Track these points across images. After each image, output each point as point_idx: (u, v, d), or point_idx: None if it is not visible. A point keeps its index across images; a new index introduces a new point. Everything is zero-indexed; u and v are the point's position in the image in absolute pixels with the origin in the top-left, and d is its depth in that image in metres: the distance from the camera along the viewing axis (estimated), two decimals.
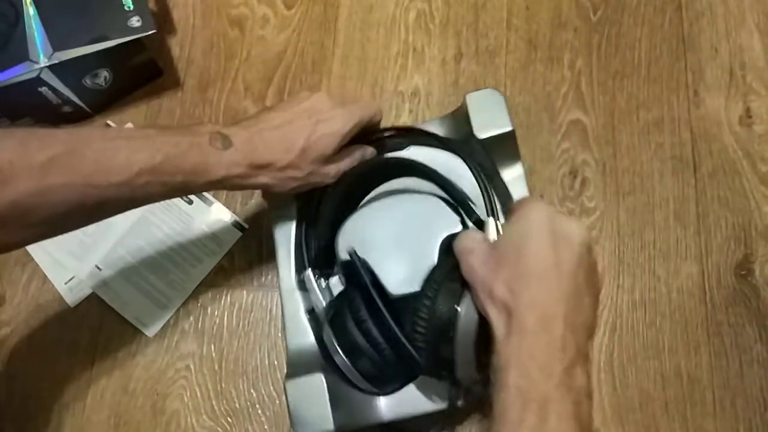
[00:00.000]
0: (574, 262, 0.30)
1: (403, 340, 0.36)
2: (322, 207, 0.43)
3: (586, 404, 0.29)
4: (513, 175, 0.43)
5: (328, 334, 0.38)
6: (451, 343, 0.34)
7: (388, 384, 0.39)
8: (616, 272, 0.49)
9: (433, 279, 0.36)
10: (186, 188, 0.37)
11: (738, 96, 0.53)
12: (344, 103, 0.41)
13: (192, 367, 0.48)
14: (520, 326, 0.30)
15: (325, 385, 0.38)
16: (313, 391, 0.38)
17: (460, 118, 0.45)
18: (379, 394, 0.40)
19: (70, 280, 0.51)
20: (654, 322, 0.48)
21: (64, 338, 0.50)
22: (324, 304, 0.40)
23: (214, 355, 0.49)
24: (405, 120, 0.55)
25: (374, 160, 0.44)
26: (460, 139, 0.44)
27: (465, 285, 0.34)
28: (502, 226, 0.35)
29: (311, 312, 0.43)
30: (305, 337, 0.42)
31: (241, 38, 0.58)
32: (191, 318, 0.50)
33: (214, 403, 0.48)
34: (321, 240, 0.43)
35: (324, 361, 0.39)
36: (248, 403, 0.47)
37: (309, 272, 0.41)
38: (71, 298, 0.51)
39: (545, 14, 0.57)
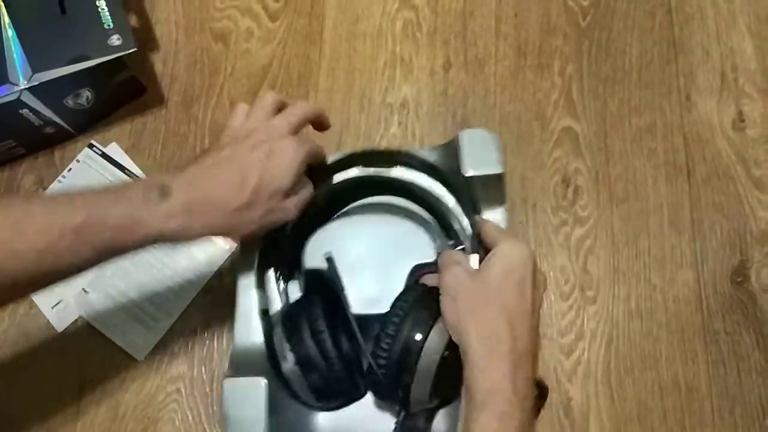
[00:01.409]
0: (536, 301, 0.34)
1: (369, 356, 0.35)
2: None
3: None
4: (495, 218, 0.42)
5: (279, 339, 0.37)
6: (412, 369, 0.34)
7: (333, 400, 0.39)
8: (612, 281, 0.49)
9: (403, 301, 0.36)
10: (119, 248, 0.34)
11: (730, 99, 0.53)
12: (287, 131, 0.38)
13: (183, 390, 0.48)
14: (496, 359, 0.31)
15: (265, 390, 0.37)
16: (252, 395, 0.36)
17: (450, 152, 0.44)
18: (320, 409, 0.39)
19: (57, 304, 0.50)
20: (650, 332, 0.47)
21: (52, 363, 0.49)
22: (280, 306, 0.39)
23: (204, 377, 0.48)
24: (394, 132, 0.54)
25: (359, 176, 0.43)
26: (449, 173, 0.44)
27: (436, 313, 0.34)
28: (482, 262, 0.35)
29: (265, 313, 0.41)
30: (254, 337, 0.40)
31: (225, 52, 0.57)
32: (181, 340, 0.49)
33: (206, 426, 0.47)
34: (288, 243, 0.41)
35: (269, 366, 0.38)
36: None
37: (271, 272, 0.40)
38: (58, 322, 0.50)
39: (534, 21, 0.56)
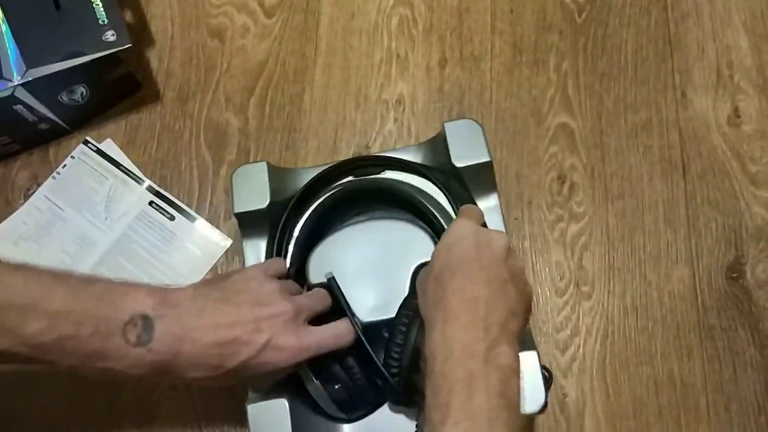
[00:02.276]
0: (495, 258, 0.33)
1: (380, 366, 0.35)
2: (294, 229, 0.43)
3: (513, 382, 0.30)
4: (489, 205, 0.43)
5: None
6: (425, 373, 0.33)
7: (356, 410, 0.39)
8: (607, 278, 0.49)
9: (407, 307, 0.36)
10: (74, 371, 0.32)
11: (726, 96, 0.53)
12: (303, 323, 0.35)
13: (178, 389, 0.47)
14: (444, 314, 0.31)
15: (288, 409, 0.37)
16: (276, 416, 0.37)
17: (438, 145, 0.44)
18: (344, 421, 0.40)
19: None
20: (646, 328, 0.47)
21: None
22: None
23: None
24: (390, 128, 0.54)
25: (351, 184, 0.44)
26: (437, 168, 0.44)
27: None
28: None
29: None
30: None
31: (221, 49, 0.57)
32: None
33: (202, 425, 0.47)
34: (293, 262, 0.42)
35: (288, 385, 0.38)
36: (237, 424, 0.46)
37: None
38: None
39: (530, 17, 0.56)
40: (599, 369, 0.46)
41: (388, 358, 0.35)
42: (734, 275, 0.48)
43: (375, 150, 0.53)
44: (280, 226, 0.42)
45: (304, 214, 0.43)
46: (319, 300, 0.39)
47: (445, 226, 0.41)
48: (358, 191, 0.44)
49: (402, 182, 0.44)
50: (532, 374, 0.36)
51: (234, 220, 0.52)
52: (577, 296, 0.48)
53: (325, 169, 0.44)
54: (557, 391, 0.46)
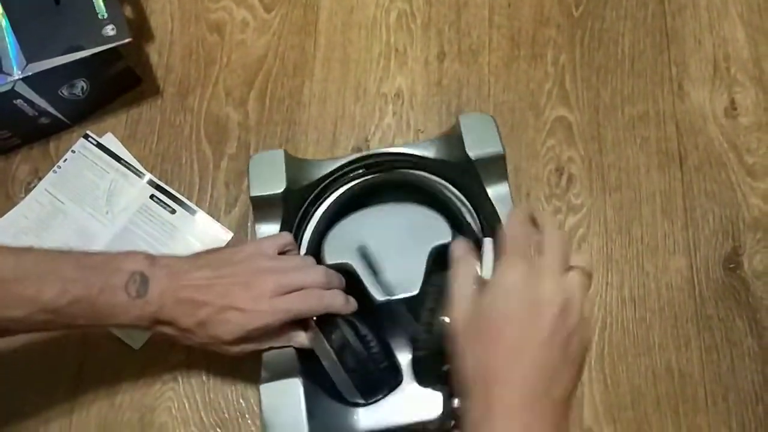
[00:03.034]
0: (549, 330, 0.29)
1: (415, 334, 0.36)
2: (309, 217, 0.43)
3: None
4: (500, 193, 0.45)
5: (318, 337, 0.38)
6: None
7: (373, 390, 0.39)
8: (605, 269, 0.49)
9: (431, 283, 0.37)
10: (87, 328, 0.38)
11: (723, 88, 0.53)
12: (287, 288, 0.37)
13: (179, 378, 0.48)
14: (495, 405, 0.28)
15: (302, 390, 0.38)
16: (289, 397, 0.37)
17: (452, 138, 0.45)
18: (358, 405, 0.40)
19: None
20: (644, 319, 0.48)
21: (49, 353, 0.49)
22: None
23: (201, 365, 0.48)
24: (389, 122, 0.54)
25: (368, 180, 0.44)
26: (450, 161, 0.45)
27: None
28: (485, 281, 0.33)
29: None
30: None
31: (220, 43, 0.57)
32: None
33: (203, 414, 0.47)
34: (308, 247, 0.42)
35: (302, 366, 0.39)
36: (237, 413, 0.47)
37: None
38: None
39: (527, 11, 0.56)
40: (597, 360, 0.47)
41: (418, 334, 0.36)
42: (731, 266, 0.48)
43: (374, 144, 0.53)
44: (301, 212, 0.43)
45: (322, 203, 0.44)
46: (314, 276, 0.39)
47: (472, 224, 0.42)
48: (379, 184, 0.45)
49: (424, 176, 0.45)
50: None
51: (234, 212, 0.52)
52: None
53: (347, 162, 0.45)
54: None
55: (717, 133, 0.52)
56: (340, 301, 0.39)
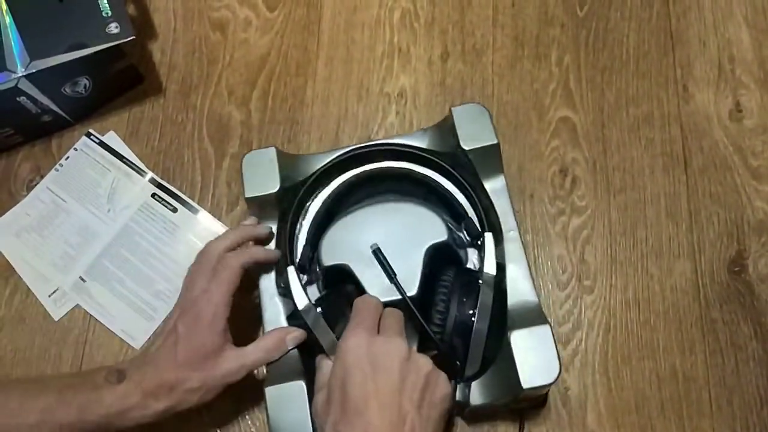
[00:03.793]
0: (395, 385, 0.32)
1: (434, 337, 0.37)
2: (303, 213, 0.43)
3: None
4: (496, 186, 0.44)
5: (323, 329, 0.37)
6: (466, 344, 0.37)
7: None
8: (609, 272, 0.49)
9: (445, 281, 0.39)
10: (83, 425, 0.37)
11: (727, 90, 0.53)
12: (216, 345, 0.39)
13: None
14: None
15: (306, 392, 0.38)
16: (294, 398, 0.38)
17: (444, 130, 0.45)
18: None
19: (54, 292, 0.50)
20: (648, 322, 0.47)
21: (49, 351, 0.49)
22: (305, 302, 0.39)
23: None
24: (392, 121, 0.54)
25: (364, 172, 0.44)
26: (445, 152, 0.44)
27: (475, 288, 0.38)
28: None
29: (291, 317, 0.42)
30: None
31: (223, 42, 0.57)
32: None
33: (204, 413, 0.47)
34: (306, 246, 0.42)
35: (306, 369, 0.39)
36: (237, 414, 0.46)
37: (291, 269, 0.40)
38: (55, 310, 0.50)
39: (531, 11, 0.56)
40: (601, 363, 0.46)
41: (431, 325, 0.37)
42: (736, 269, 0.48)
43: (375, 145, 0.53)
44: (293, 210, 0.43)
45: (315, 199, 0.44)
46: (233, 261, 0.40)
47: (468, 210, 0.42)
48: (374, 176, 0.44)
49: (421, 169, 0.44)
50: (546, 347, 0.37)
51: (236, 211, 0.52)
52: (580, 290, 0.48)
53: (336, 157, 0.45)
54: (559, 384, 0.46)
55: (722, 135, 0.52)
56: (261, 253, 0.42)
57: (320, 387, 0.36)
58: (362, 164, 0.45)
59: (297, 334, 0.40)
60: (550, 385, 0.38)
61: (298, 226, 0.44)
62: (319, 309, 0.39)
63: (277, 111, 0.55)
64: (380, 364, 0.33)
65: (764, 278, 0.48)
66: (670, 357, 0.46)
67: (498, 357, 0.39)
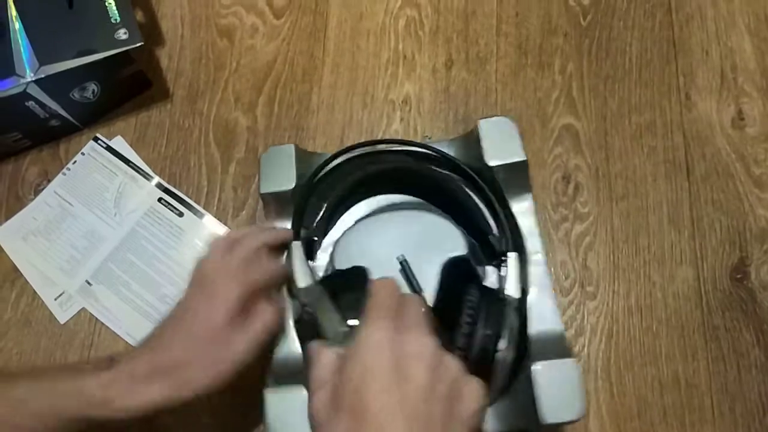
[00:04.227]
0: (426, 381, 0.26)
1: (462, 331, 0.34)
2: (313, 202, 0.42)
3: None
4: (522, 206, 0.41)
5: (330, 317, 0.36)
6: (488, 369, 0.35)
7: None
8: (612, 278, 0.49)
9: (471, 301, 0.36)
10: (60, 416, 0.32)
11: (730, 98, 0.53)
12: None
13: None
14: None
15: (307, 397, 0.36)
16: (295, 404, 0.36)
17: (469, 143, 0.43)
18: None
19: (60, 295, 0.51)
20: (650, 328, 0.47)
21: (55, 355, 0.49)
22: (309, 281, 0.37)
23: None
24: (396, 128, 0.54)
25: (388, 165, 0.42)
26: (469, 165, 0.42)
27: (503, 310, 0.35)
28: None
29: (299, 321, 0.41)
30: (291, 346, 0.40)
31: (230, 48, 0.57)
32: None
33: (208, 418, 0.47)
34: (321, 221, 0.40)
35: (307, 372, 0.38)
36: (242, 417, 0.47)
37: (297, 245, 0.38)
38: (61, 314, 0.50)
39: (535, 20, 0.57)
40: (604, 369, 0.46)
41: (455, 349, 0.34)
42: (739, 276, 0.48)
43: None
44: (306, 183, 0.41)
45: (334, 182, 0.42)
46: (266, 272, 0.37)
47: (492, 227, 0.39)
48: (397, 170, 0.43)
49: (448, 175, 0.42)
50: (571, 382, 0.35)
51: (242, 216, 0.52)
52: (582, 296, 0.48)
53: (357, 150, 0.43)
54: None
55: (724, 143, 0.52)
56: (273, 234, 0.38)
57: (320, 384, 0.29)
58: (385, 162, 0.43)
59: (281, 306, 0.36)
60: (573, 422, 0.36)
61: (311, 202, 0.41)
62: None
63: (283, 117, 0.55)
64: (408, 369, 0.27)
65: (766, 285, 0.48)
66: (673, 363, 0.46)
67: (513, 385, 0.38)
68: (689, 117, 0.53)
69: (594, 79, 0.54)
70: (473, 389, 0.28)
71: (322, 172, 0.42)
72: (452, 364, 0.28)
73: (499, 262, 0.40)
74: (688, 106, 0.53)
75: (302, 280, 0.37)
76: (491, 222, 0.41)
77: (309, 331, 0.38)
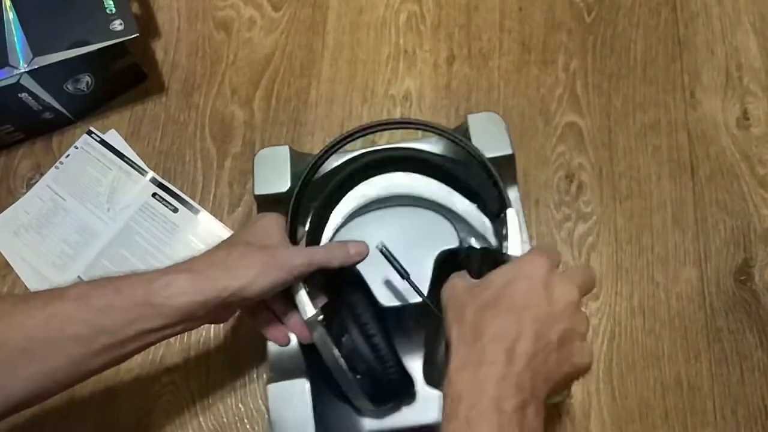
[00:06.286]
0: (555, 316, 0.30)
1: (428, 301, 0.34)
2: (308, 197, 0.41)
3: None
4: (509, 197, 0.41)
5: (322, 337, 0.36)
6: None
7: (383, 399, 0.38)
8: (614, 279, 0.48)
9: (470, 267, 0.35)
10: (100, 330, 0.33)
11: (735, 98, 0.53)
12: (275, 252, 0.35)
13: (178, 381, 0.47)
14: (479, 356, 0.29)
15: (309, 390, 0.37)
16: (296, 397, 0.37)
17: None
18: (363, 414, 0.39)
19: None
20: (653, 330, 0.47)
21: None
22: (310, 311, 0.37)
23: (200, 369, 0.47)
24: None
25: (373, 153, 0.43)
26: (457, 159, 0.43)
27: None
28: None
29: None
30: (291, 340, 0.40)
31: (227, 41, 0.56)
32: None
33: (201, 418, 0.46)
34: (311, 228, 0.41)
35: (309, 366, 0.38)
36: (236, 417, 0.46)
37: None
38: None
39: (538, 16, 0.56)
40: (605, 370, 0.46)
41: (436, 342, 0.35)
42: (742, 278, 0.48)
43: (381, 144, 0.52)
44: (298, 186, 0.40)
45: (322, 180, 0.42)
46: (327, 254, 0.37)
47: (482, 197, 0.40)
48: (380, 158, 0.43)
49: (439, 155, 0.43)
50: None
51: (238, 212, 0.52)
52: (584, 297, 0.48)
53: (349, 158, 0.43)
54: (563, 393, 0.45)
55: (729, 143, 0.51)
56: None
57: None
58: (376, 170, 0.44)
59: (361, 249, 0.37)
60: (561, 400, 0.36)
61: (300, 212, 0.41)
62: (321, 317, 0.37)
63: (280, 111, 0.54)
64: (552, 293, 0.30)
65: None
66: (675, 365, 0.46)
67: None
68: (694, 116, 0.52)
69: (598, 76, 0.54)
70: (588, 353, 0.31)
71: (316, 174, 0.42)
72: (585, 321, 0.31)
73: (498, 224, 0.40)
74: (692, 105, 0.53)
75: (306, 311, 0.37)
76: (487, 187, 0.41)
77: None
